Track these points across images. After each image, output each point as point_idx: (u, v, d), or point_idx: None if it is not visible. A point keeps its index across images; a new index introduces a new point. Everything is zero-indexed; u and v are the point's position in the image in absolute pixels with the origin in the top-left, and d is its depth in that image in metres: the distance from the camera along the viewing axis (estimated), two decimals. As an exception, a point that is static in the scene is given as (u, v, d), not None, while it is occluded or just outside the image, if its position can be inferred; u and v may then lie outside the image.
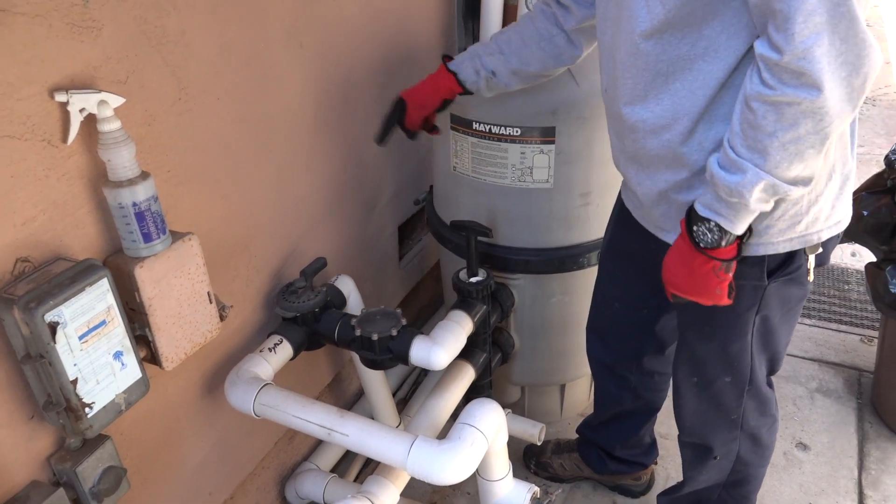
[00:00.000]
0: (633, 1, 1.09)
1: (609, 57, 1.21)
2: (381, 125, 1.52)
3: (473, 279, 1.67)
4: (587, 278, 1.77)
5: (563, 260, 1.71)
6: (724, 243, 1.12)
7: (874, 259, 1.92)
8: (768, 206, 1.08)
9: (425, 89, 1.49)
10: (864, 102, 4.95)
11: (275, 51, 1.45)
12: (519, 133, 1.55)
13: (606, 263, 1.60)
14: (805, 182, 1.05)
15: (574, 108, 1.55)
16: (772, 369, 1.41)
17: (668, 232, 1.30)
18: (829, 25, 0.90)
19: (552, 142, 1.56)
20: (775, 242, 1.19)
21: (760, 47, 0.97)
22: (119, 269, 1.10)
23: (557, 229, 1.68)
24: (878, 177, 1.90)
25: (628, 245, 1.46)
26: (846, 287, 2.82)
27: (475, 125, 1.59)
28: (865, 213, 1.85)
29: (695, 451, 1.54)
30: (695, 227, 1.14)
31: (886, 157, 1.85)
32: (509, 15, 2.28)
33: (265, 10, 1.40)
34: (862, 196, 1.90)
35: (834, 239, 1.25)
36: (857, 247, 2.01)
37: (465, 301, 1.66)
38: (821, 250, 1.23)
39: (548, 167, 1.59)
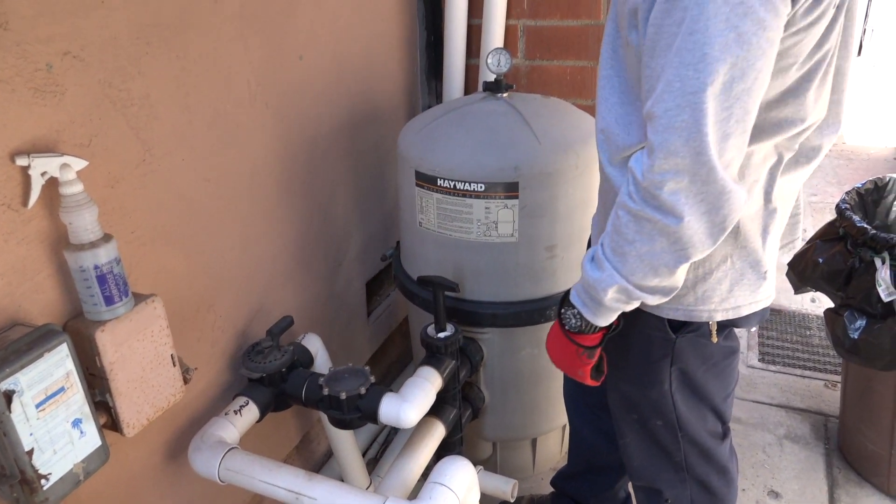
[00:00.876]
0: (607, 25, 1.15)
1: None
2: None
3: (441, 334, 1.67)
4: (555, 330, 1.78)
5: (531, 313, 1.72)
6: (586, 330, 1.17)
7: (832, 305, 1.96)
8: (628, 307, 1.11)
9: None
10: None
11: (240, 111, 1.46)
12: (483, 189, 1.58)
13: None
14: (664, 292, 1.07)
15: (536, 163, 1.58)
16: (721, 421, 1.38)
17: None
18: (691, 168, 0.92)
19: (516, 196, 1.59)
20: (659, 307, 1.19)
21: (633, 160, 1.00)
22: (79, 333, 1.07)
23: (524, 283, 1.70)
24: (830, 225, 1.95)
25: None
26: (808, 333, 2.87)
27: (440, 182, 1.61)
28: (820, 260, 1.90)
29: (646, 494, 1.53)
30: (563, 310, 1.19)
31: (837, 206, 1.91)
32: (471, 75, 2.35)
33: (230, 72, 1.42)
34: (816, 244, 1.95)
35: (745, 319, 1.22)
36: (816, 293, 2.06)
37: (433, 356, 1.65)
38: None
39: (512, 221, 1.61)
